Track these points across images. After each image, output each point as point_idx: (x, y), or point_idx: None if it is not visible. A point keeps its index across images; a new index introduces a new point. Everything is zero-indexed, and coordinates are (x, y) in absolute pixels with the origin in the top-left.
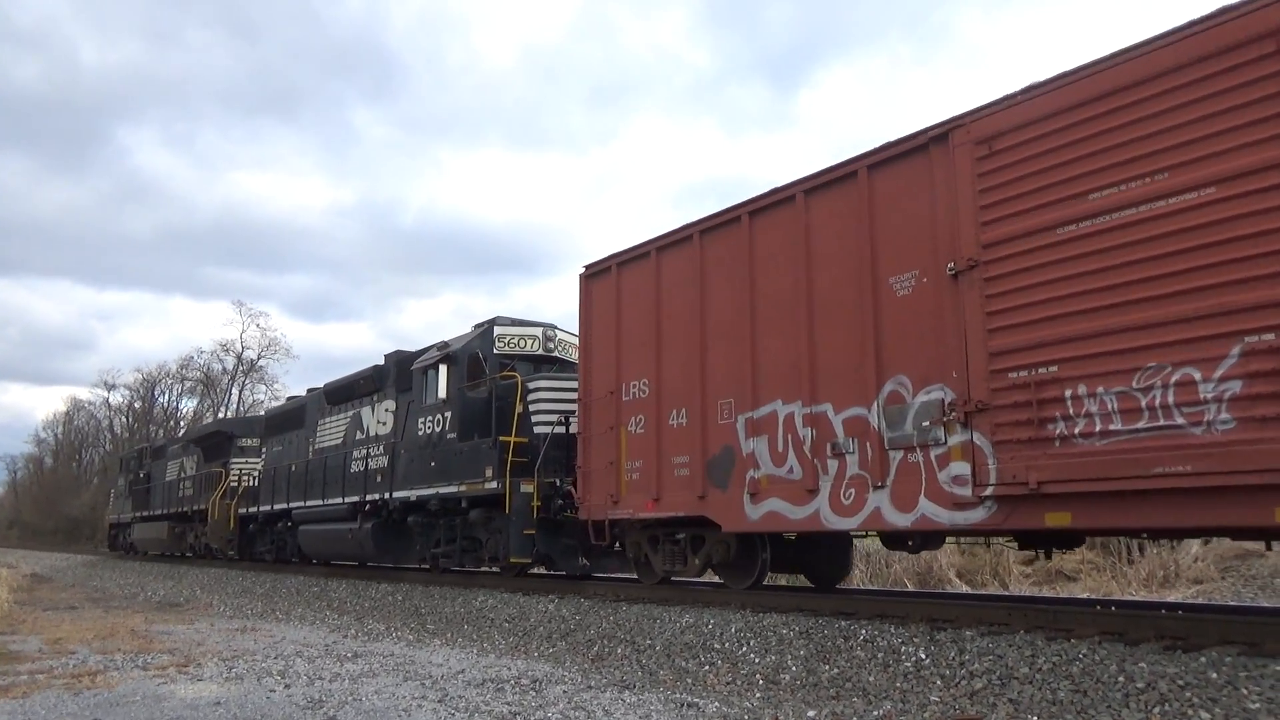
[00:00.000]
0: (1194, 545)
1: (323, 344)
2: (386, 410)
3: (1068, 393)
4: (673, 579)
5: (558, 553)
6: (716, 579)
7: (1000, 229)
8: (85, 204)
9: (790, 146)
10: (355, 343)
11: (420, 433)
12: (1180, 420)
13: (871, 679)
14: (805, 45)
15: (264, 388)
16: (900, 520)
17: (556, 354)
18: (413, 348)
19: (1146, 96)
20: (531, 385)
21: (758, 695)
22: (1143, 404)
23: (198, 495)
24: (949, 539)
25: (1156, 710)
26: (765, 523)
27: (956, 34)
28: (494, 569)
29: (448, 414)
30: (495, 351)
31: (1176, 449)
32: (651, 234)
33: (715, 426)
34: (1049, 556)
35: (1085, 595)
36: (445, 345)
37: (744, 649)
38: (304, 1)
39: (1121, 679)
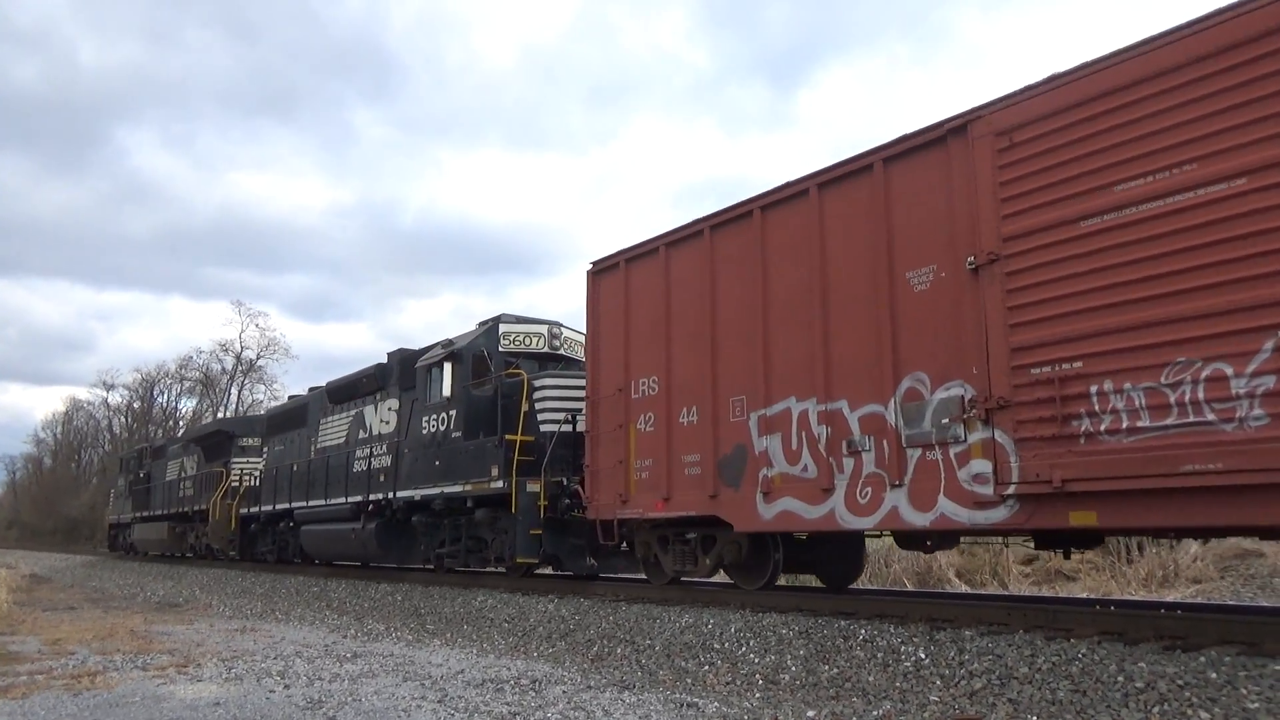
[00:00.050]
0: (1193, 545)
1: (322, 344)
2: (390, 409)
3: (1093, 389)
4: (683, 579)
5: (565, 553)
6: (727, 580)
7: (1022, 222)
8: (84, 204)
9: (790, 147)
10: (354, 343)
11: (424, 431)
12: (1211, 417)
13: (871, 679)
14: (804, 46)
15: (263, 388)
16: (918, 519)
17: (562, 352)
18: (412, 348)
19: (1174, 86)
20: (538, 383)
21: (757, 695)
22: (1171, 400)
23: (198, 495)
24: (964, 539)
25: (1156, 710)
26: (779, 522)
27: (955, 34)
28: (500, 569)
29: (452, 412)
30: (500, 349)
31: (1207, 446)
32: (651, 234)
33: (727, 424)
34: (1067, 556)
35: (1084, 595)
36: (450, 343)
37: (743, 649)
38: (303, 2)
39: (1121, 679)
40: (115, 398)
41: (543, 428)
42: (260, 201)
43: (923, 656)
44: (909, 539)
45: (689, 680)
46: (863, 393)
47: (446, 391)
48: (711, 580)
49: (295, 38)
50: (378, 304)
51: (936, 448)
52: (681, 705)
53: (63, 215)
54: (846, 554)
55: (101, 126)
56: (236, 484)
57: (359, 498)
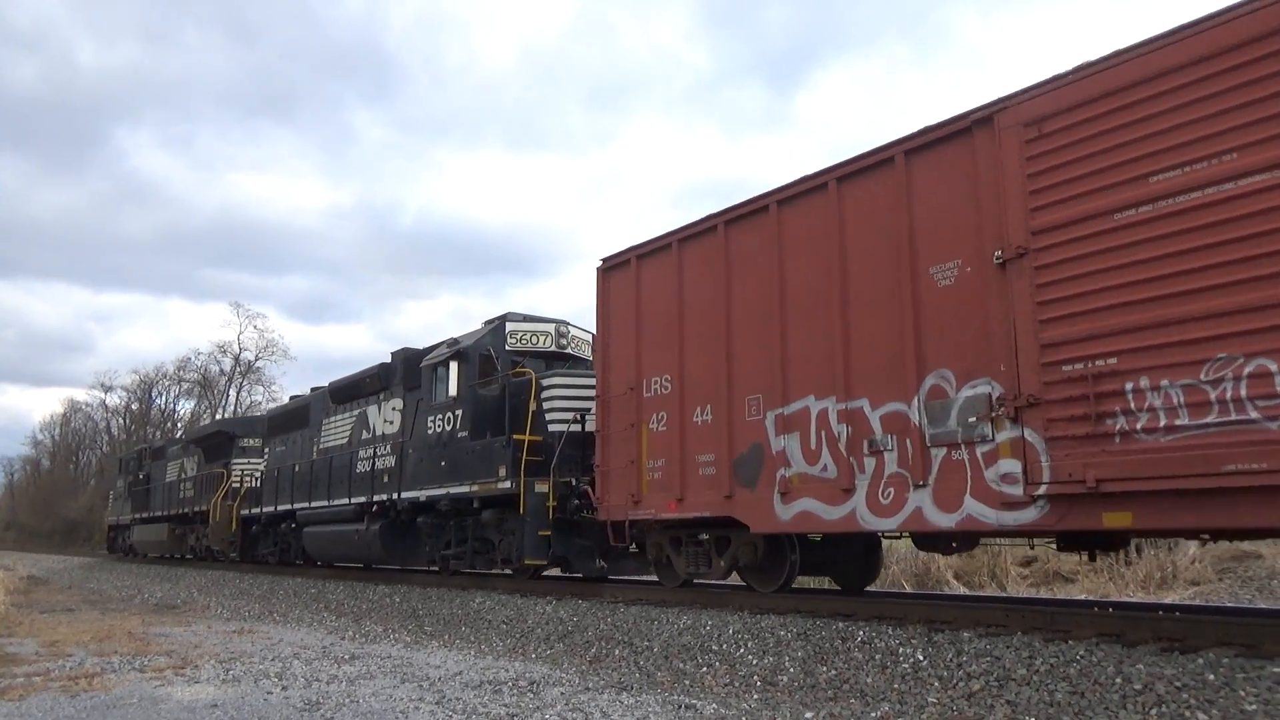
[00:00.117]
0: (1191, 546)
1: (321, 345)
2: (394, 409)
3: (1128, 386)
4: (695, 582)
5: (574, 554)
6: (739, 582)
7: (1052, 215)
8: (83, 205)
9: (789, 148)
10: (353, 344)
11: (430, 431)
12: (1254, 414)
13: (869, 680)
14: (803, 47)
15: (261, 389)
16: (944, 521)
17: (569, 351)
18: (415, 347)
19: (1212, 74)
20: (546, 382)
21: (755, 697)
22: (1212, 397)
23: (198, 496)
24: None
25: (1154, 712)
26: (797, 523)
27: (954, 35)
28: (506, 571)
29: (459, 412)
30: (507, 348)
31: (1250, 445)
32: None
33: (743, 423)
34: (1093, 558)
35: (1083, 597)
36: (455, 342)
37: (742, 650)
38: (302, 3)
39: (1119, 680)
40: (113, 399)
41: (551, 427)
42: (259, 202)
43: (921, 658)
44: (930, 540)
45: (687, 682)
46: (884, 391)
47: (452, 391)
48: (724, 583)
49: (294, 38)
50: (376, 305)
51: (962, 447)
52: (680, 707)
53: (61, 216)
54: (863, 555)
55: (100, 127)
56: (237, 485)
57: (363, 499)
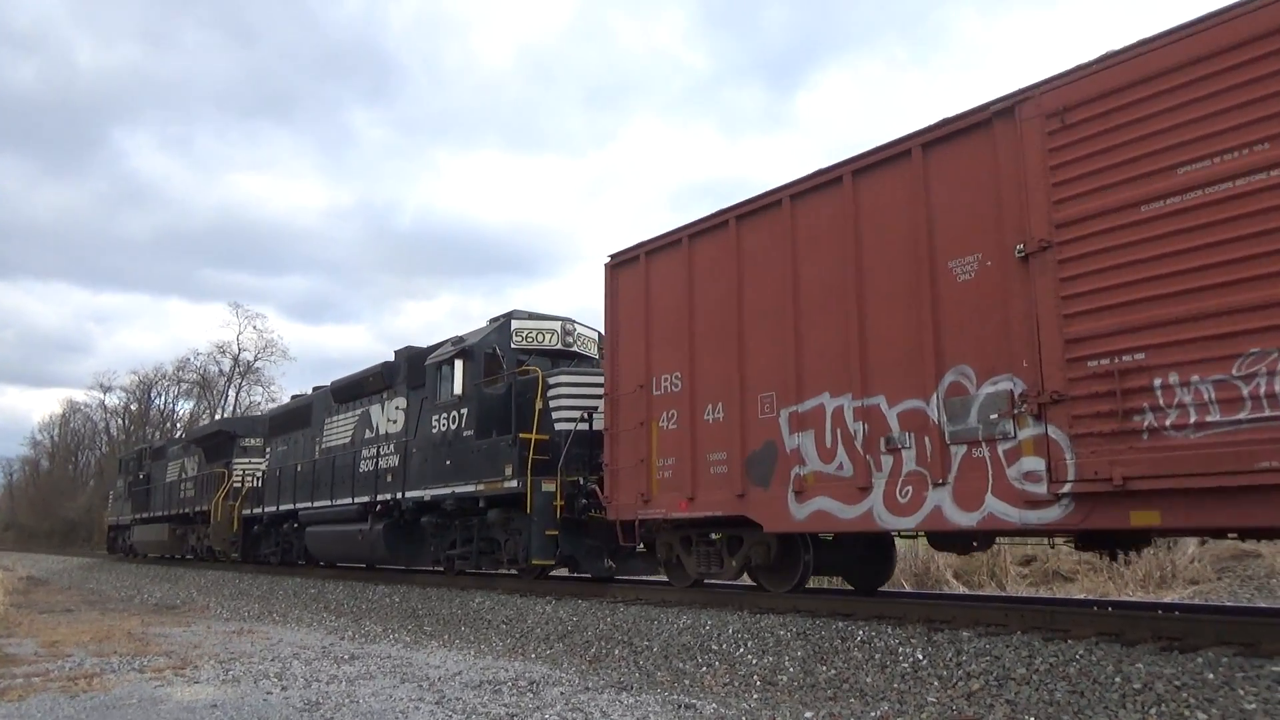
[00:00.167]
0: (1190, 545)
1: (320, 346)
2: (397, 408)
3: (1157, 382)
4: (706, 582)
5: (582, 554)
6: (750, 582)
7: (1076, 207)
8: (82, 206)
9: (788, 148)
10: (352, 344)
11: (434, 430)
12: None
13: (869, 680)
14: (802, 47)
15: (260, 390)
16: (964, 520)
17: (575, 349)
18: (419, 345)
19: (1242, 62)
20: (552, 380)
21: (755, 696)
22: (1244, 393)
23: (199, 496)
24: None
25: (1153, 711)
26: (812, 522)
27: (953, 36)
28: (512, 571)
29: (464, 411)
30: (513, 346)
31: None
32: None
33: (755, 421)
34: (1114, 558)
35: (1082, 596)
36: (460, 340)
37: (741, 650)
38: (300, 3)
39: (1118, 680)
40: (112, 400)
41: (558, 426)
42: (258, 203)
43: (920, 657)
44: (948, 540)
45: (687, 681)
46: (902, 387)
47: (458, 389)
48: (732, 583)
49: (293, 39)
50: (376, 305)
51: (983, 444)
52: (679, 706)
53: (60, 217)
54: (877, 555)
55: (99, 128)
56: (238, 485)
57: (366, 498)
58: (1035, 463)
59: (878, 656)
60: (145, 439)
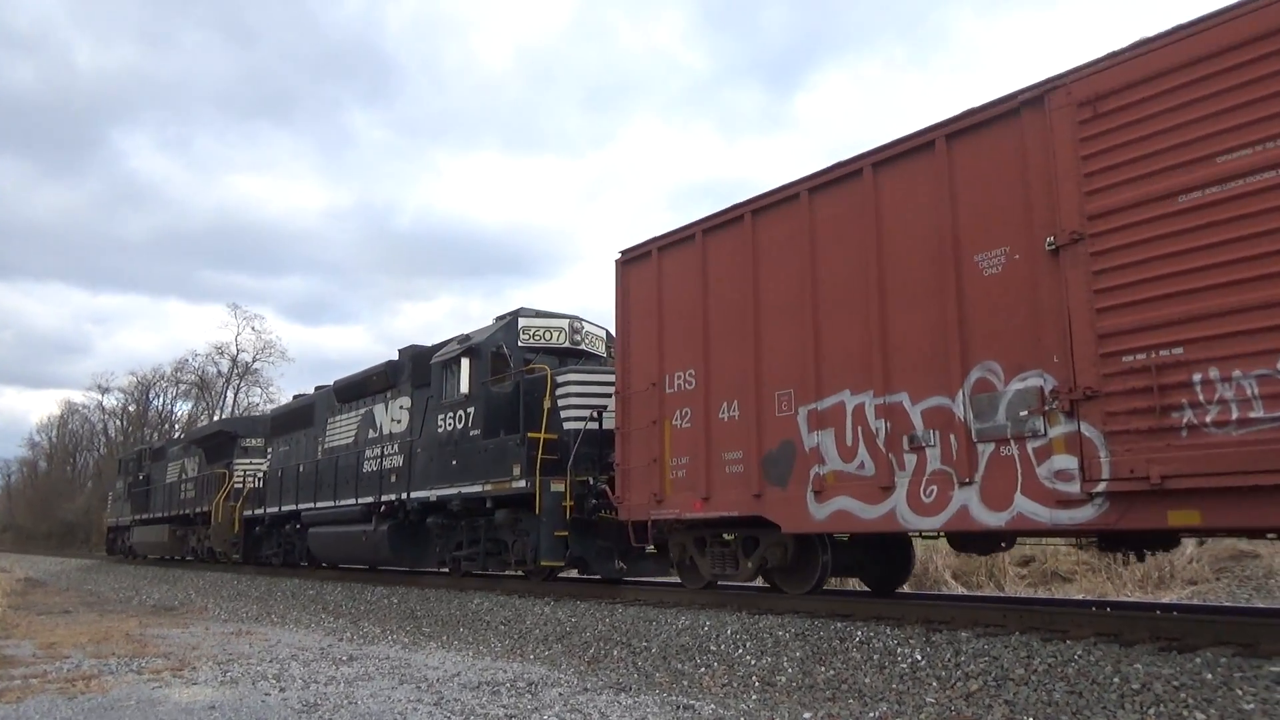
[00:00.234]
0: (1189, 546)
1: (319, 346)
2: (401, 407)
3: (1196, 377)
4: (720, 584)
5: (592, 555)
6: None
7: (1109, 198)
8: (80, 207)
9: (787, 149)
10: (351, 345)
11: (440, 430)
12: None
13: (867, 680)
14: (801, 48)
15: (259, 390)
16: (992, 520)
17: (584, 347)
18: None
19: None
20: (561, 379)
21: (754, 697)
22: None
23: (200, 497)
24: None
25: (1152, 711)
26: (833, 523)
27: (952, 36)
28: (519, 573)
29: (470, 410)
30: (520, 344)
31: None
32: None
33: (773, 419)
34: (1141, 559)
35: (1080, 596)
36: (466, 338)
37: (740, 651)
38: (299, 4)
39: (1117, 680)
40: (110, 401)
41: (566, 425)
42: (257, 204)
43: (919, 658)
44: (973, 541)
45: (685, 682)
46: (926, 384)
47: (464, 388)
48: (753, 585)
49: (292, 40)
50: (374, 306)
51: (1012, 442)
52: (678, 707)
53: (58, 218)
54: (893, 555)
55: (98, 129)
56: (240, 485)
57: (370, 499)
58: (1067, 461)
59: (876, 657)
60: (143, 440)
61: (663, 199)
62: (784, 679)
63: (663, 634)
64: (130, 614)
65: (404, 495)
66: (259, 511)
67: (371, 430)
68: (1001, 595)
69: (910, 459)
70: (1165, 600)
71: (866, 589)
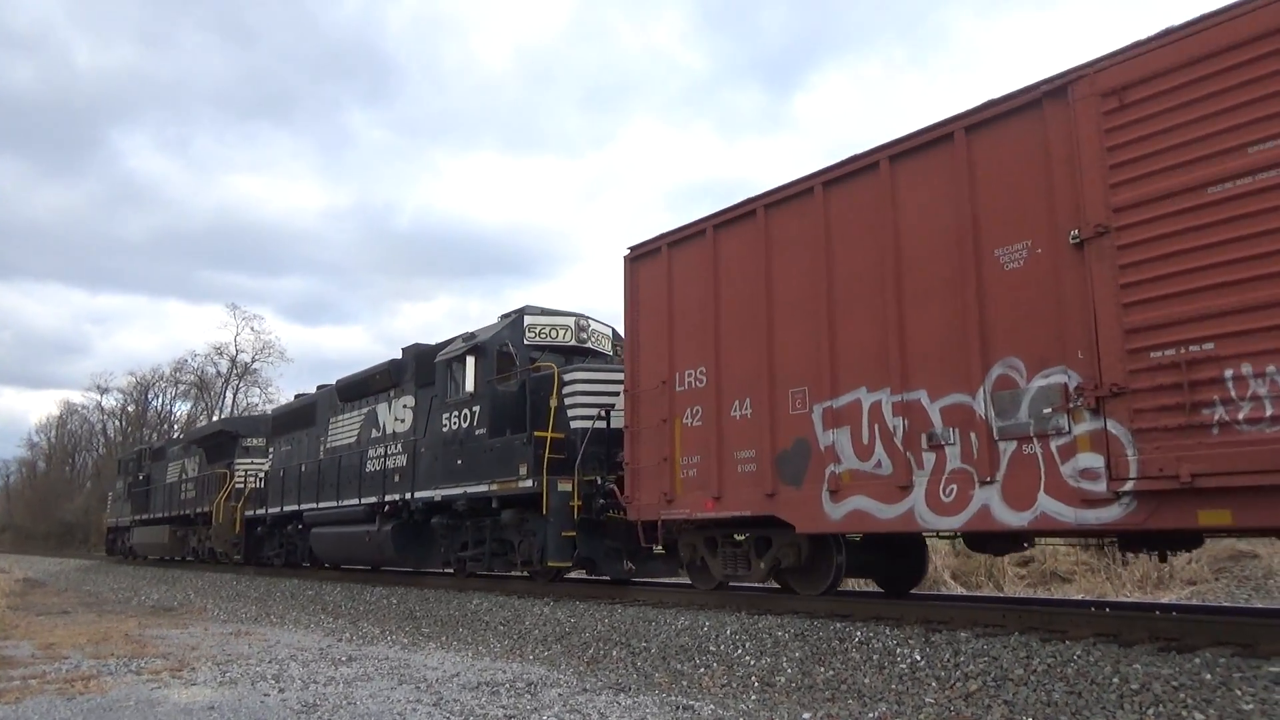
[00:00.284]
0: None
1: (318, 347)
2: (405, 406)
3: (1228, 373)
4: (732, 584)
5: (600, 556)
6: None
7: (1135, 190)
8: (79, 207)
9: (787, 149)
10: (350, 345)
11: (445, 429)
12: None
13: (867, 681)
14: (800, 48)
15: (258, 391)
16: (1014, 519)
17: (590, 345)
18: (428, 343)
19: None
20: (568, 377)
21: (753, 697)
22: None
23: (200, 497)
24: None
25: (1151, 711)
26: (849, 523)
27: (951, 37)
28: (525, 573)
29: (476, 409)
30: (525, 342)
31: None
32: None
33: (786, 417)
34: (1163, 559)
35: (1079, 597)
36: (471, 336)
37: (739, 651)
38: (299, 4)
39: (1116, 680)
40: (109, 401)
41: (573, 424)
42: (256, 204)
43: (918, 658)
44: (992, 541)
45: (685, 683)
46: (945, 381)
47: (469, 387)
48: (765, 586)
49: (291, 40)
50: (374, 307)
51: (1035, 440)
52: (677, 708)
53: (58, 218)
54: (908, 555)
55: (97, 129)
56: (241, 485)
57: (373, 499)
58: (1093, 459)
59: (875, 657)
60: (142, 440)
61: (662, 199)
62: (783, 679)
63: (662, 634)
64: (129, 614)
65: (408, 495)
66: (260, 512)
67: (375, 429)
68: (1001, 595)
69: (929, 457)
70: (1164, 600)
71: (866, 589)
